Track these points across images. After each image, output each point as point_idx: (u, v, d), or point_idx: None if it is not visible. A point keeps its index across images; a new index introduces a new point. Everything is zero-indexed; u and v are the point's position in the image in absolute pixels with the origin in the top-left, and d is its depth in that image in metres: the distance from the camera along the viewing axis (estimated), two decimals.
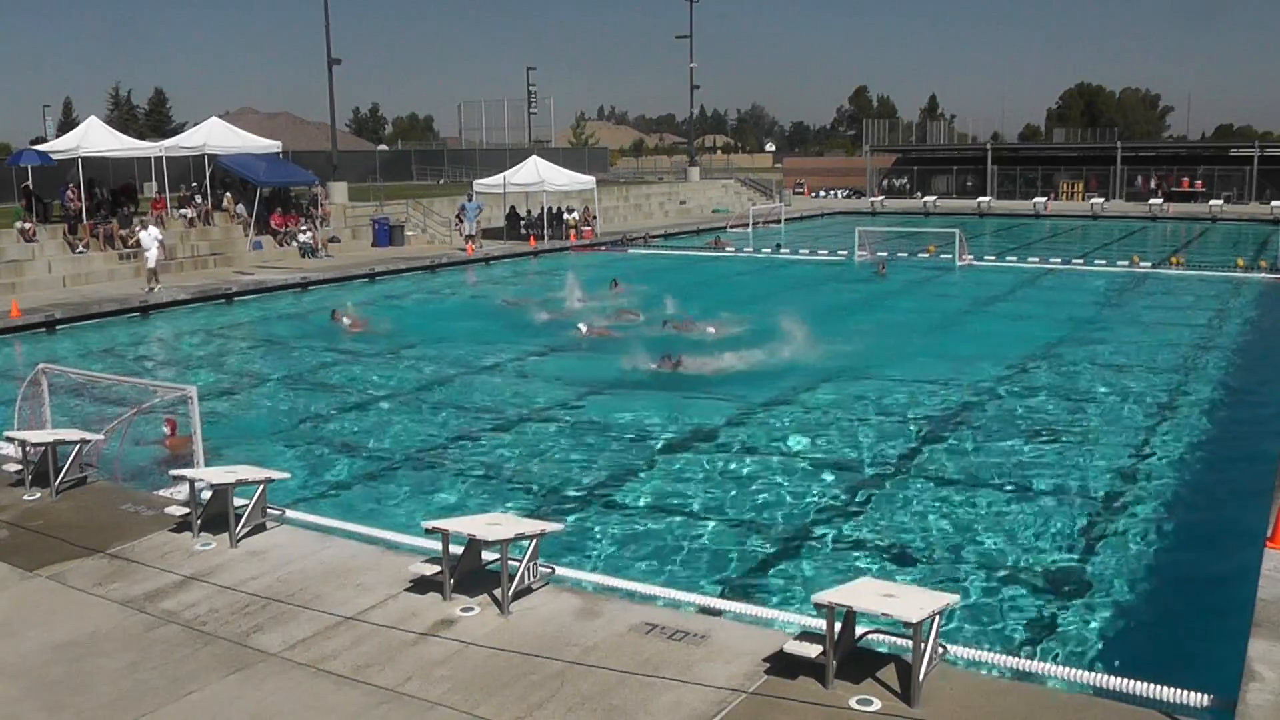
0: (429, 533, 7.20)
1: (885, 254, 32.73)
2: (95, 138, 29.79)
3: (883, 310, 24.28)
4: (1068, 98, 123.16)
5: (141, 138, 45.56)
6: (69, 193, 27.96)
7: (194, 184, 32.48)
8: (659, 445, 12.75)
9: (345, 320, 21.09)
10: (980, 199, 55.49)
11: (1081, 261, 32.63)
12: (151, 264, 24.44)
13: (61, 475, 9.36)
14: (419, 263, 31.07)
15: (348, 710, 5.66)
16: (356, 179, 46.20)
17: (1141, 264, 30.20)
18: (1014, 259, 32.99)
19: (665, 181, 63.35)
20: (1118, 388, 15.72)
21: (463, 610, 6.83)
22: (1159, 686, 5.58)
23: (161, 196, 30.86)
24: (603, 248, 37.29)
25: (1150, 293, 26.00)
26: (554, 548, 8.88)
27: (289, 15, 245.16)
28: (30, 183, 28.46)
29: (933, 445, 12.71)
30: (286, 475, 9.33)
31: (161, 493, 9.65)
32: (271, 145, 34.03)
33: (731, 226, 43.56)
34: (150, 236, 24.62)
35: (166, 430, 12.31)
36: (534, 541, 7.05)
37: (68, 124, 70.10)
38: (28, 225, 26.40)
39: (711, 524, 10.08)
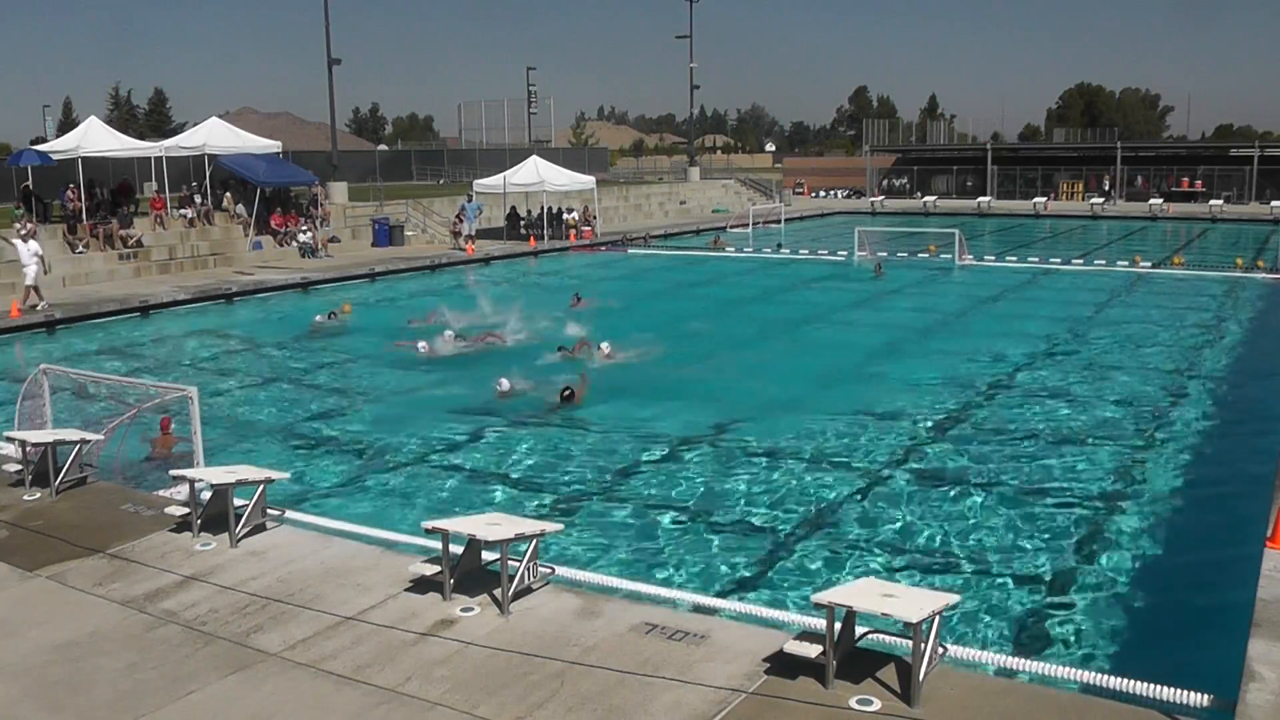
0: (429, 533, 7.20)
1: (884, 254, 32.71)
2: (95, 138, 29.81)
3: (882, 310, 24.29)
4: (1068, 98, 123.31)
5: (141, 138, 45.58)
6: (69, 193, 27.97)
7: (194, 184, 32.48)
8: (657, 446, 12.74)
9: (330, 319, 21.06)
10: (980, 199, 55.54)
11: (1081, 261, 32.64)
12: (30, 280, 21.70)
13: (61, 475, 9.36)
14: (419, 263, 31.09)
15: (348, 710, 5.66)
16: (356, 179, 46.20)
17: (1142, 264, 30.22)
18: (1014, 259, 33.00)
19: (665, 181, 63.35)
20: (1117, 387, 15.72)
21: (463, 610, 6.83)
22: (1159, 686, 5.57)
23: (161, 196, 30.87)
24: (603, 248, 37.28)
25: (1150, 293, 25.99)
26: (554, 548, 8.90)
27: (289, 15, 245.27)
28: (30, 183, 28.49)
29: (932, 445, 12.70)
30: (286, 475, 9.32)
31: (161, 493, 9.65)
32: (271, 145, 34.07)
33: (731, 226, 43.54)
34: (29, 251, 21.73)
35: (160, 430, 12.31)
36: (534, 541, 7.06)
37: (68, 124, 70.15)
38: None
39: (710, 525, 10.08)
